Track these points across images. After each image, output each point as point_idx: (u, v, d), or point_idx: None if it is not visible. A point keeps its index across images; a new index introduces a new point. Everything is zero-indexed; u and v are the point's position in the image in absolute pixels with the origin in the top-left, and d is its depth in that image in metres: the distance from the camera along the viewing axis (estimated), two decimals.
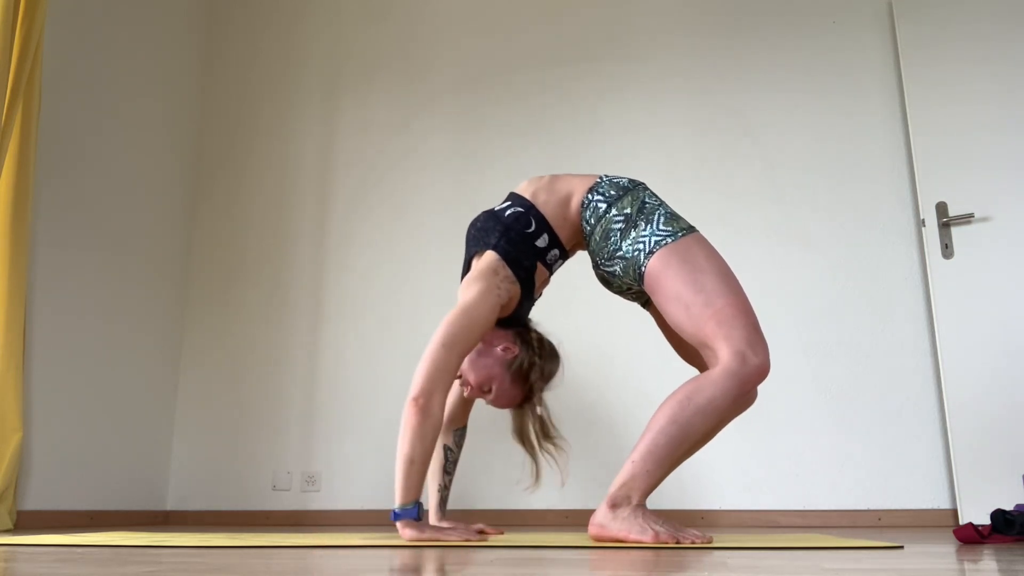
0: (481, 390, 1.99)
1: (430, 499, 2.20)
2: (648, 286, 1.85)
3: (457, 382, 2.07)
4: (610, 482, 1.75)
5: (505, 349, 1.97)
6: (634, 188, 1.94)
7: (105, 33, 3.40)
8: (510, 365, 1.96)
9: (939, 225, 2.98)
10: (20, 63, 2.73)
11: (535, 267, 1.94)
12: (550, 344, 2.04)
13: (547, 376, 2.00)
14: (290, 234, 3.74)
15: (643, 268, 1.83)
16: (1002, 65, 3.01)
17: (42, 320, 2.99)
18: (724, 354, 1.74)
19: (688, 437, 1.70)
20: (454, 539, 1.79)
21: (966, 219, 2.95)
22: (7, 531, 2.59)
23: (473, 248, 2.00)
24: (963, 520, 2.72)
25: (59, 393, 3.04)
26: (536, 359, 1.96)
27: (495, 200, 3.28)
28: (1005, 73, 3.00)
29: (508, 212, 1.96)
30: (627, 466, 1.70)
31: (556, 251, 1.97)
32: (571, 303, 3.24)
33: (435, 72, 3.78)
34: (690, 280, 1.79)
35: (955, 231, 2.97)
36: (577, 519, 3.08)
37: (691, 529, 1.70)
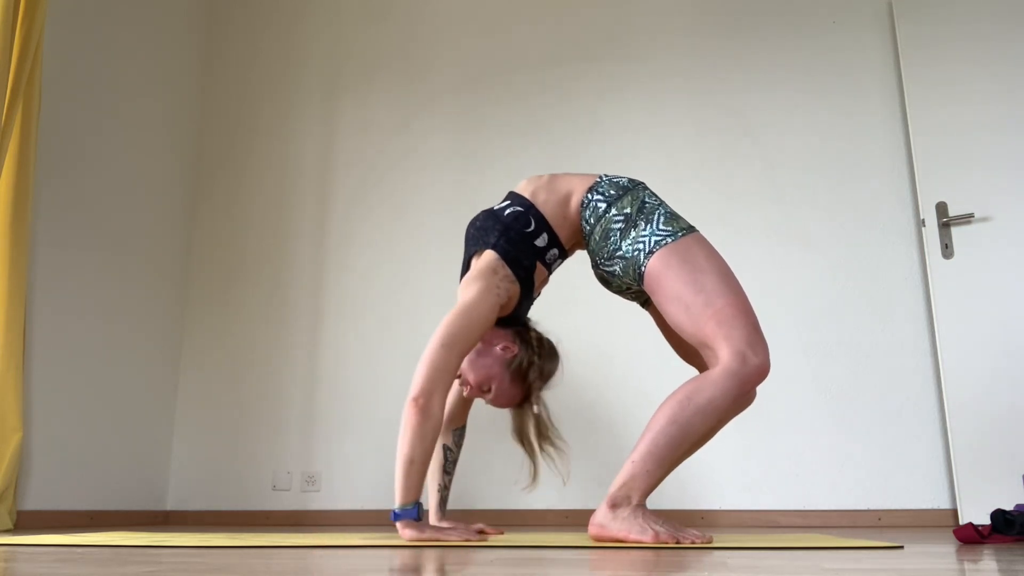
0: (480, 390, 1.99)
1: (430, 499, 2.20)
2: (648, 286, 1.85)
3: (456, 382, 2.07)
4: (610, 482, 1.75)
5: (504, 348, 1.96)
6: (634, 188, 1.94)
7: (105, 33, 3.40)
8: (509, 364, 1.96)
9: (939, 225, 2.98)
10: (20, 63, 2.73)
11: (534, 266, 1.94)
12: (549, 343, 2.04)
13: (546, 375, 2.00)
14: (290, 234, 3.74)
15: (643, 268, 1.83)
16: (1002, 65, 3.01)
17: (42, 320, 2.99)
18: (724, 354, 1.74)
19: (688, 437, 1.70)
20: (454, 539, 1.79)
21: (966, 219, 2.95)
22: (7, 531, 2.59)
23: (472, 247, 2.00)
24: (963, 520, 2.72)
25: (59, 393, 3.04)
26: (535, 358, 1.96)
27: (495, 200, 3.28)
28: (1005, 73, 3.00)
29: (507, 211, 1.96)
30: (627, 466, 1.70)
31: (555, 250, 1.97)
32: (571, 303, 3.24)
33: (435, 72, 3.78)
34: (690, 280, 1.79)
35: (955, 231, 2.97)
36: (577, 519, 3.08)
37: (691, 529, 1.70)
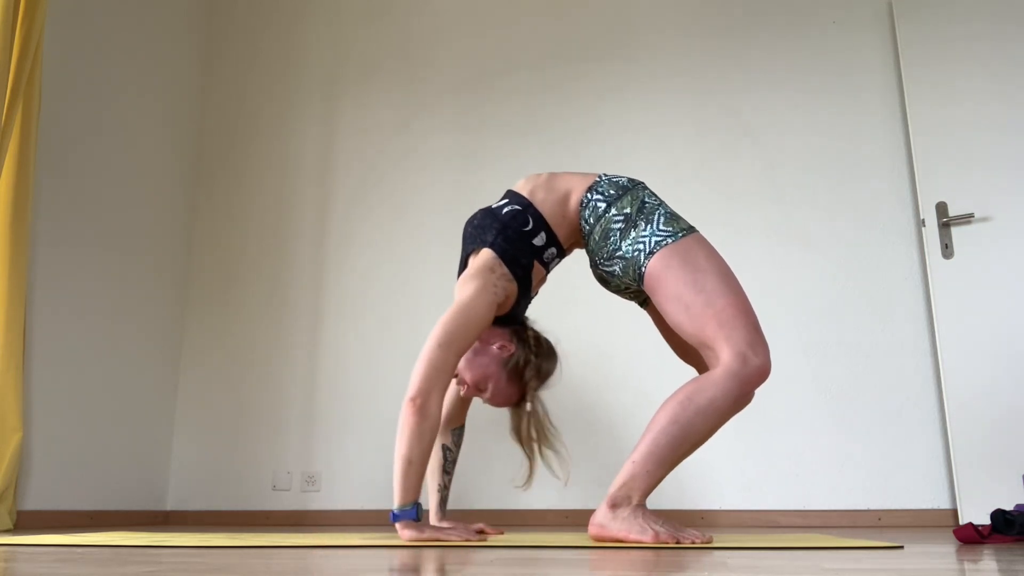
0: (477, 389, 1.98)
1: (430, 499, 2.20)
2: (648, 286, 1.85)
3: (454, 381, 2.07)
4: (610, 482, 1.75)
5: (501, 347, 1.96)
6: (634, 187, 1.94)
7: (105, 33, 3.40)
8: (506, 363, 1.95)
9: (939, 225, 2.98)
10: (20, 63, 2.73)
11: (532, 265, 1.94)
12: (547, 342, 2.03)
13: (544, 375, 1.99)
14: (290, 234, 3.74)
15: (643, 268, 1.83)
16: (1002, 65, 3.01)
17: (42, 320, 2.99)
18: (725, 355, 1.74)
19: (688, 438, 1.70)
20: (454, 539, 1.79)
21: (966, 219, 2.95)
22: (7, 531, 2.59)
23: (470, 246, 1.99)
24: (963, 520, 2.72)
25: (59, 393, 3.04)
26: (532, 357, 1.96)
27: (495, 200, 3.27)
28: (1005, 73, 3.00)
29: (505, 210, 1.96)
30: (627, 466, 1.70)
31: (553, 249, 1.96)
32: (570, 303, 3.24)
33: (435, 72, 3.78)
34: (690, 280, 1.79)
35: (955, 231, 2.97)
36: (577, 519, 3.08)
37: (691, 529, 1.70)
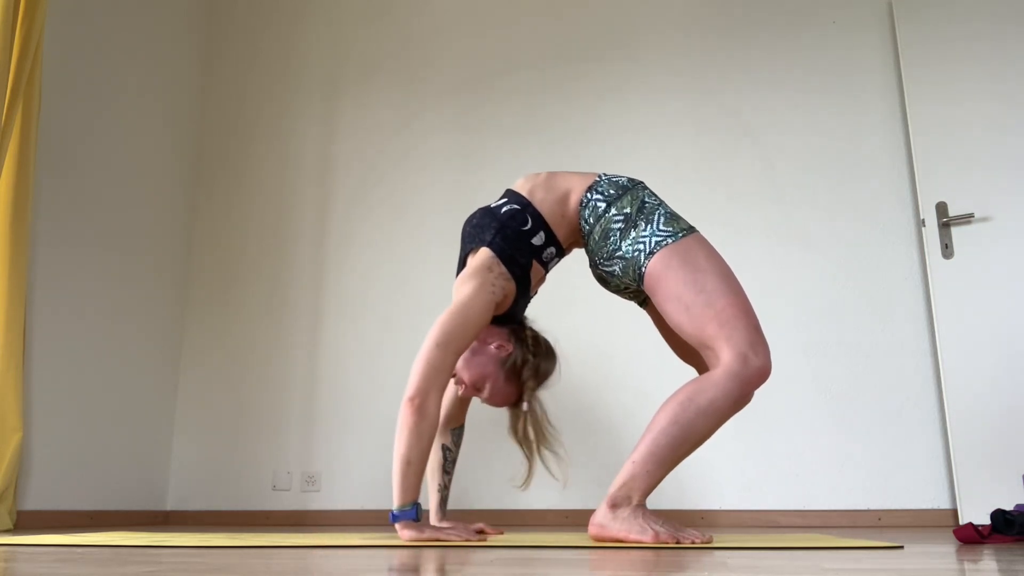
0: (475, 388, 1.98)
1: (430, 499, 2.20)
2: (648, 287, 1.85)
3: (452, 381, 2.07)
4: (610, 482, 1.75)
5: (499, 347, 1.95)
6: (633, 187, 1.93)
7: (105, 33, 3.40)
8: (504, 363, 1.94)
9: (939, 225, 2.98)
10: (20, 63, 2.73)
11: (530, 264, 1.93)
12: (546, 341, 2.02)
13: (542, 374, 1.98)
14: (290, 234, 3.74)
15: (643, 269, 1.83)
16: (1002, 65, 3.01)
17: (42, 320, 2.99)
18: (726, 355, 1.74)
19: (688, 438, 1.70)
20: (453, 539, 1.78)
21: (966, 219, 2.95)
22: (7, 531, 2.59)
23: (468, 245, 1.99)
24: (963, 520, 2.72)
25: (59, 393, 3.04)
26: (530, 356, 1.95)
27: (494, 199, 3.27)
28: (1005, 73, 3.00)
29: (504, 209, 1.95)
30: (627, 466, 1.70)
31: (552, 249, 1.96)
32: (570, 303, 3.24)
33: (435, 72, 3.78)
34: (691, 281, 1.79)
35: (955, 231, 2.97)
36: (577, 519, 3.08)
37: (691, 529, 1.70)
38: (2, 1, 2.63)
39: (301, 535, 2.20)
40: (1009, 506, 2.33)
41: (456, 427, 2.21)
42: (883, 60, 3.31)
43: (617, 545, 1.63)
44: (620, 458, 2.97)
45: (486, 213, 1.97)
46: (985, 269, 2.89)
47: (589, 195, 1.93)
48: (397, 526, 1.76)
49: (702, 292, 1.78)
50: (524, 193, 1.97)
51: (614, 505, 1.69)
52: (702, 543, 1.64)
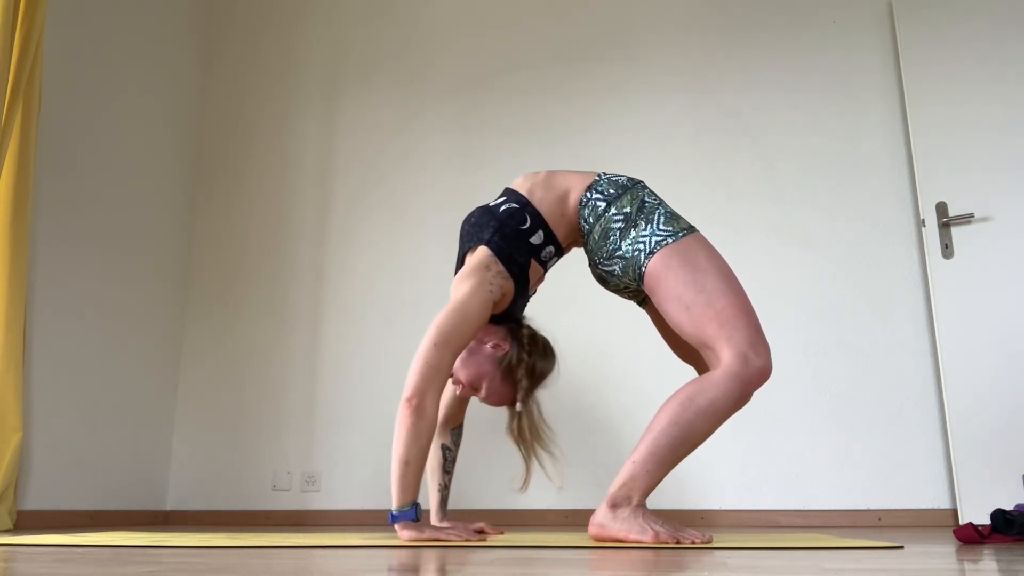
0: (473, 388, 1.97)
1: (430, 499, 2.20)
2: (648, 286, 1.84)
3: (450, 380, 2.06)
4: (609, 482, 1.75)
5: (495, 346, 1.95)
6: (633, 186, 1.93)
7: (105, 33, 3.40)
8: (500, 362, 1.93)
9: (939, 225, 2.98)
10: (20, 63, 2.73)
11: (529, 263, 1.93)
12: (544, 340, 2.00)
13: (539, 374, 1.96)
14: (290, 234, 3.74)
15: (643, 268, 1.83)
16: (1002, 65, 3.01)
17: (42, 320, 2.99)
18: (726, 355, 1.73)
19: (688, 438, 1.70)
20: (453, 539, 1.78)
21: (966, 219, 2.95)
22: (7, 531, 2.59)
23: (467, 244, 1.98)
24: (963, 520, 2.72)
25: (59, 393, 3.04)
26: (525, 356, 1.93)
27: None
28: (1005, 73, 3.00)
29: (503, 208, 1.95)
30: (627, 466, 1.70)
31: (551, 248, 1.95)
32: (569, 302, 3.24)
33: (435, 72, 3.78)
34: (691, 280, 1.79)
35: (955, 231, 2.97)
36: (577, 519, 3.08)
37: (691, 529, 1.69)
38: (2, 1, 2.63)
39: (301, 535, 2.20)
40: (1009, 506, 2.33)
41: (455, 427, 2.21)
42: (883, 60, 3.31)
43: (617, 545, 1.63)
44: (620, 458, 2.97)
45: (484, 212, 1.97)
46: (985, 269, 2.89)
47: (589, 194, 1.92)
48: (397, 527, 1.76)
49: (702, 292, 1.78)
50: (523, 192, 1.96)
51: (614, 505, 1.69)
52: (702, 543, 1.64)
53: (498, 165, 3.58)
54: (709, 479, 3.06)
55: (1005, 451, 2.73)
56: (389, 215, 3.66)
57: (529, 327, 2.01)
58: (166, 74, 3.76)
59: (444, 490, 2.19)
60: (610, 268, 1.89)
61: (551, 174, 2.00)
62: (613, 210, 1.88)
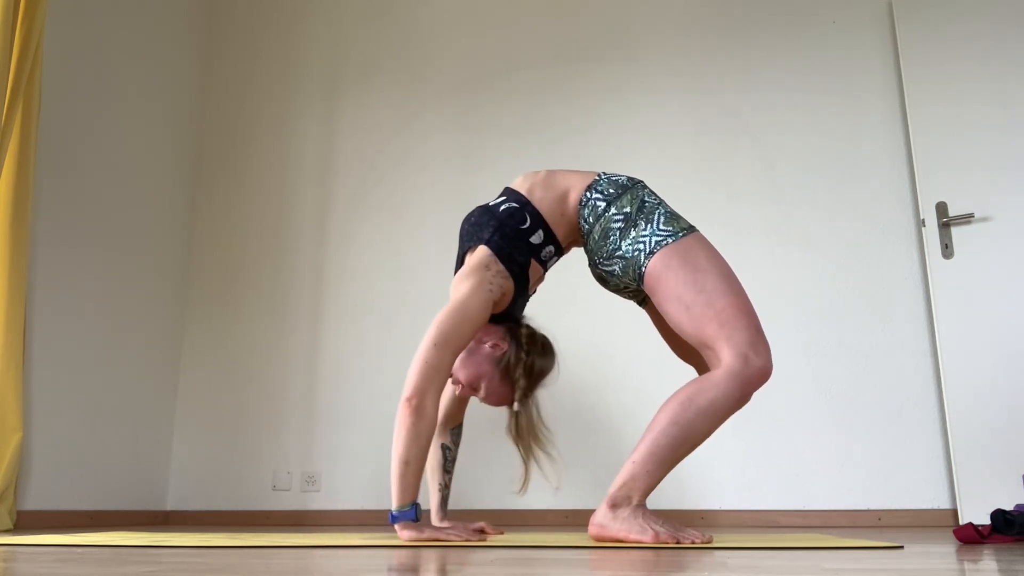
0: (472, 388, 1.97)
1: (431, 499, 2.20)
2: (648, 286, 1.84)
3: (449, 380, 2.05)
4: (609, 482, 1.75)
5: (494, 346, 1.94)
6: (633, 186, 1.93)
7: (105, 33, 3.40)
8: (498, 362, 1.93)
9: (939, 225, 2.98)
10: (20, 63, 2.73)
11: (529, 263, 1.92)
12: (543, 339, 1.99)
13: (537, 373, 1.95)
14: (290, 234, 3.74)
15: (643, 268, 1.83)
16: (1002, 65, 3.01)
17: (42, 320, 2.99)
18: (726, 356, 1.73)
19: (688, 439, 1.70)
20: (453, 539, 1.78)
21: (966, 219, 2.95)
22: (7, 531, 2.59)
23: (466, 243, 1.98)
24: (963, 520, 2.72)
25: (59, 393, 3.04)
26: (523, 355, 1.92)
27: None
28: (1005, 73, 3.00)
29: (503, 207, 1.94)
30: (628, 466, 1.70)
31: (551, 247, 1.95)
32: (569, 302, 3.24)
33: (435, 72, 3.78)
34: (691, 280, 1.78)
35: (955, 231, 2.97)
36: (577, 519, 3.08)
37: (691, 529, 1.69)
38: (2, 1, 2.63)
39: (301, 535, 2.20)
40: (1009, 506, 2.33)
41: (455, 426, 2.21)
42: (883, 60, 3.31)
43: (617, 545, 1.63)
44: (620, 458, 2.97)
45: (484, 211, 1.97)
46: (985, 269, 2.89)
47: (589, 194, 1.92)
48: (396, 527, 1.76)
49: (702, 292, 1.77)
50: (523, 191, 1.96)
51: (614, 505, 1.69)
52: (702, 543, 1.64)
53: (498, 165, 3.58)
54: (709, 479, 3.06)
55: (1005, 451, 2.73)
56: (389, 215, 3.66)
57: (528, 326, 2.00)
58: (166, 74, 3.76)
59: (445, 489, 2.19)
60: (610, 268, 1.89)
61: (551, 174, 2.00)
62: (613, 210, 1.88)
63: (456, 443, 2.22)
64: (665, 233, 1.83)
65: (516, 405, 1.93)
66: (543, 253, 1.94)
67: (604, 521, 1.68)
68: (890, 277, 3.12)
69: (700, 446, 1.77)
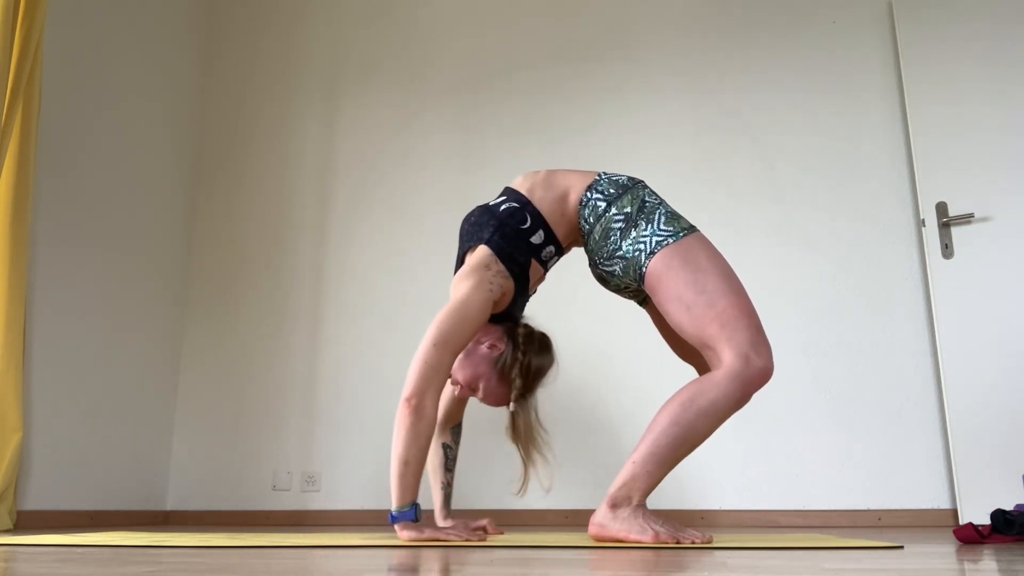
0: (470, 388, 1.96)
1: (434, 498, 2.19)
2: (649, 286, 1.84)
3: (448, 381, 2.05)
4: (609, 482, 1.75)
5: (491, 347, 1.94)
6: (634, 186, 1.93)
7: (105, 33, 3.40)
8: (496, 362, 1.92)
9: (939, 225, 2.98)
10: (20, 63, 2.73)
11: (529, 263, 1.92)
12: (541, 338, 1.98)
13: (535, 372, 1.94)
14: (290, 234, 3.74)
15: (644, 268, 1.82)
16: (1002, 65, 3.01)
17: (42, 320, 2.99)
18: (727, 356, 1.73)
19: (689, 439, 1.70)
20: (453, 539, 1.78)
21: (966, 219, 2.95)
22: (7, 531, 2.59)
23: (466, 243, 1.97)
24: (963, 520, 2.72)
25: (59, 393, 3.04)
26: (520, 355, 1.91)
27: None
28: (1005, 73, 3.00)
29: (503, 207, 1.94)
30: (628, 466, 1.70)
31: (551, 247, 1.94)
32: (569, 302, 3.24)
33: (435, 72, 3.78)
34: (692, 281, 1.78)
35: (955, 231, 2.97)
36: (577, 519, 3.08)
37: (691, 529, 1.69)
38: (2, 1, 2.63)
39: (301, 535, 2.20)
40: (1009, 506, 2.33)
41: (455, 425, 2.21)
42: (883, 60, 3.31)
43: (617, 545, 1.63)
44: (620, 458, 2.97)
45: (484, 211, 1.96)
46: (985, 269, 2.89)
47: (589, 194, 1.92)
48: (396, 527, 1.76)
49: (703, 292, 1.77)
50: (523, 191, 1.96)
51: (614, 505, 1.69)
52: (702, 543, 1.64)
53: (498, 165, 3.58)
54: (709, 479, 3.06)
55: (1005, 451, 2.73)
56: (389, 215, 3.66)
57: (526, 325, 1.99)
58: (166, 74, 3.76)
59: (447, 488, 2.19)
60: (611, 268, 1.89)
61: (551, 173, 2.00)
62: (613, 210, 1.88)
63: (456, 442, 2.22)
64: (666, 233, 1.83)
65: (512, 406, 1.92)
66: (543, 253, 1.94)
67: (604, 521, 1.68)
68: (890, 277, 3.12)
69: (700, 446, 1.77)
